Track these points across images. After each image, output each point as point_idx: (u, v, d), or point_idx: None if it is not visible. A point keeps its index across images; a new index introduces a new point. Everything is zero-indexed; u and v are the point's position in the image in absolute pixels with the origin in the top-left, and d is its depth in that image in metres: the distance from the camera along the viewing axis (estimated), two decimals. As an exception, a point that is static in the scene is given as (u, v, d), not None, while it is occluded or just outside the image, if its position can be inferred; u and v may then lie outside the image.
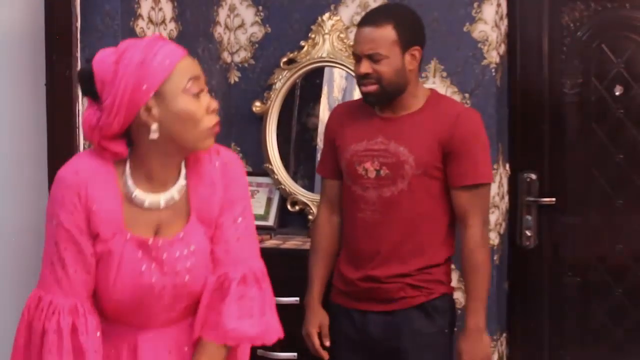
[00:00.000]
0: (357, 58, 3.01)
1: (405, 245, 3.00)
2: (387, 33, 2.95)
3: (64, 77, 3.28)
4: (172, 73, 2.14)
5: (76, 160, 2.23)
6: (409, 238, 3.00)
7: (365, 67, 2.96)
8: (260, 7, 4.11)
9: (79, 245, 2.15)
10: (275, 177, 4.04)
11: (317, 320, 3.17)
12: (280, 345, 3.43)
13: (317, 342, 3.15)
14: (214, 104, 2.20)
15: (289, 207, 4.03)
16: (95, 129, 2.14)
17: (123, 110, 2.10)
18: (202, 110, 2.17)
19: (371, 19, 3.03)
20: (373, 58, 2.95)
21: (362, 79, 2.99)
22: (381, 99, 3.01)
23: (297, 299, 3.29)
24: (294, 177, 4.08)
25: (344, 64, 3.88)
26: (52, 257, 2.16)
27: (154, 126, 2.11)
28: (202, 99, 2.18)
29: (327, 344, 3.16)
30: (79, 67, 2.96)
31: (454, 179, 2.99)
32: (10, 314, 3.10)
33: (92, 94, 2.14)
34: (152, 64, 2.11)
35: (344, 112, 3.18)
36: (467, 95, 3.80)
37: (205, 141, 2.19)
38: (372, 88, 2.98)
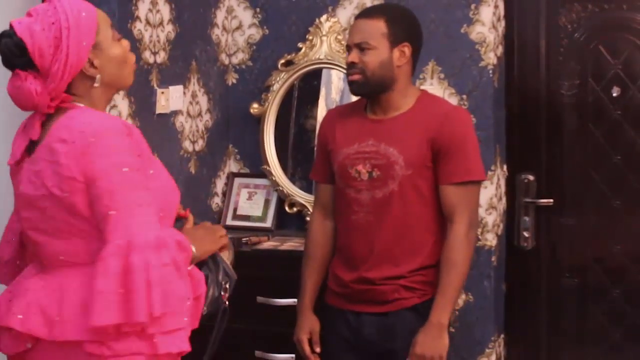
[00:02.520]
0: (349, 49, 3.06)
1: (398, 247, 3.00)
2: (378, 25, 2.99)
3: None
4: (99, 25, 2.32)
5: (97, 115, 2.30)
6: (401, 239, 3.00)
7: (353, 56, 3.02)
8: (258, 9, 4.11)
9: (148, 185, 2.26)
10: (273, 178, 4.05)
11: (308, 326, 3.17)
12: (278, 347, 3.45)
13: (307, 348, 3.16)
14: (128, 43, 2.41)
15: (286, 208, 4.04)
16: (42, 94, 2.26)
17: (72, 69, 2.26)
18: (127, 51, 2.39)
19: (365, 12, 3.12)
20: (361, 47, 2.99)
21: (349, 68, 3.05)
22: (365, 89, 3.04)
23: (295, 300, 3.29)
24: (292, 179, 4.09)
25: (342, 65, 3.88)
26: (141, 201, 2.20)
27: (98, 76, 2.31)
28: (122, 41, 2.39)
29: (318, 350, 3.17)
30: None
31: (443, 176, 2.99)
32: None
33: (26, 65, 2.26)
34: (82, 21, 2.27)
35: (336, 116, 3.20)
36: (464, 96, 3.81)
37: (132, 78, 2.45)
38: (356, 77, 3.02)
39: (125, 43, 2.39)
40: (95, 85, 2.32)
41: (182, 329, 2.23)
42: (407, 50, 3.02)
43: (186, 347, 2.25)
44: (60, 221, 2.26)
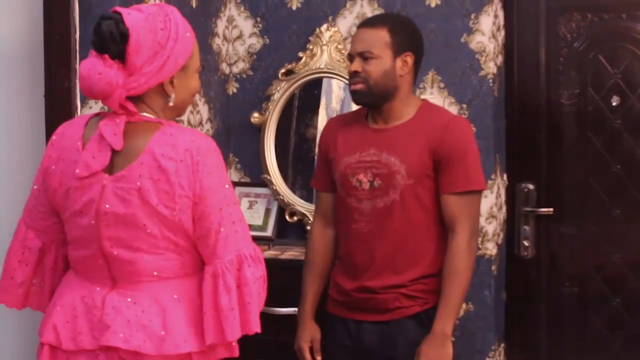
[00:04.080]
0: (351, 58, 3.06)
1: (399, 256, 3.00)
2: (381, 34, 3.00)
3: (62, 89, 3.29)
4: (193, 51, 2.38)
5: (195, 132, 2.38)
6: (402, 248, 3.00)
7: (356, 65, 3.02)
8: (259, 19, 4.12)
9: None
10: (274, 187, 4.05)
11: (309, 335, 3.17)
12: (279, 356, 3.44)
13: (308, 356, 3.17)
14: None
15: (287, 217, 4.04)
16: (118, 88, 2.25)
17: (158, 79, 2.29)
18: (200, 87, 2.47)
19: (368, 21, 3.13)
20: (364, 56, 3.00)
21: (351, 78, 3.05)
22: (367, 99, 3.05)
23: (296, 309, 3.29)
24: (292, 188, 4.09)
25: (342, 75, 3.89)
26: (240, 215, 2.35)
27: (173, 95, 2.35)
28: (198, 77, 2.44)
29: (319, 358, 3.17)
30: (78, 79, 2.92)
31: (445, 186, 3.00)
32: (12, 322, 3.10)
33: (117, 54, 2.26)
34: (185, 40, 2.32)
35: (337, 125, 3.20)
36: (464, 105, 3.82)
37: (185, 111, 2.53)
38: (359, 87, 3.02)
39: (199, 82, 2.45)
40: (170, 104, 2.36)
41: None
42: (410, 59, 3.02)
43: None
44: (162, 238, 2.30)
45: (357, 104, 3.14)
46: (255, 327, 2.32)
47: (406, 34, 3.04)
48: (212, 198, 2.29)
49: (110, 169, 2.30)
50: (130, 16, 2.27)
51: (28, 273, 2.48)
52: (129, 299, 2.32)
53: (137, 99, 2.32)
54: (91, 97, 2.32)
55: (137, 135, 2.29)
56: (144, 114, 2.33)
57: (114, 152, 2.29)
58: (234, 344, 2.37)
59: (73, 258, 2.42)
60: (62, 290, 2.42)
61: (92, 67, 2.26)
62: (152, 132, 2.29)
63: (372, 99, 3.05)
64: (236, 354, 2.40)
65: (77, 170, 2.30)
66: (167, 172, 2.25)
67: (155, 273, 2.32)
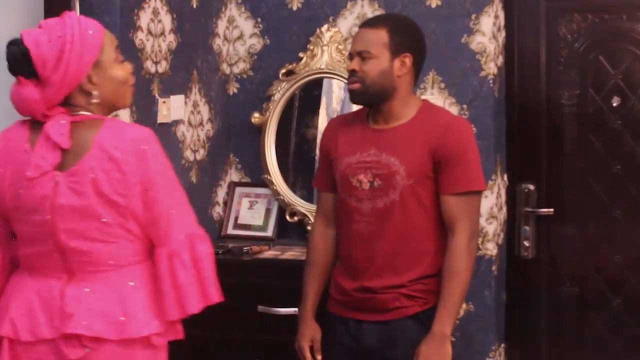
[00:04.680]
0: (351, 57, 3.08)
1: (400, 256, 3.01)
2: (380, 35, 3.00)
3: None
4: (104, 44, 2.47)
5: (135, 125, 2.60)
6: (402, 249, 3.00)
7: (354, 64, 3.04)
8: (259, 19, 4.12)
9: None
10: (274, 188, 4.05)
11: (309, 334, 3.18)
12: (279, 356, 3.45)
13: (308, 356, 3.17)
14: (132, 67, 2.59)
15: (287, 217, 4.04)
16: (38, 102, 2.42)
17: (70, 82, 2.41)
18: (129, 74, 2.55)
19: (369, 21, 3.16)
20: (362, 55, 3.01)
21: (349, 77, 3.07)
22: (364, 98, 3.06)
23: (296, 309, 3.29)
24: (293, 188, 4.09)
25: (343, 75, 3.89)
26: (186, 199, 2.54)
27: (95, 92, 2.46)
28: (124, 64, 2.55)
29: (319, 358, 3.17)
30: None
31: (444, 186, 3.00)
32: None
33: (29, 73, 2.41)
34: (88, 38, 2.43)
35: (338, 125, 3.21)
36: (465, 106, 3.82)
37: (129, 100, 2.62)
38: (356, 86, 3.04)
39: (128, 66, 2.55)
40: (94, 101, 2.47)
41: None
42: (408, 60, 3.03)
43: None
44: (116, 226, 2.44)
45: (353, 103, 3.17)
46: (217, 297, 2.49)
47: (405, 35, 3.04)
48: (160, 184, 2.45)
49: (61, 167, 2.43)
50: (29, 35, 2.42)
51: None
52: (87, 289, 2.44)
53: (67, 104, 2.45)
54: (24, 115, 2.49)
55: (83, 132, 2.43)
56: (83, 112, 2.47)
57: (64, 150, 2.42)
58: (178, 326, 2.53)
59: (25, 255, 2.53)
60: (13, 288, 2.53)
61: (14, 91, 2.46)
62: (97, 128, 2.44)
63: (369, 99, 3.06)
64: (181, 335, 2.55)
65: (28, 172, 2.43)
66: (118, 161, 2.40)
67: (111, 262, 2.46)
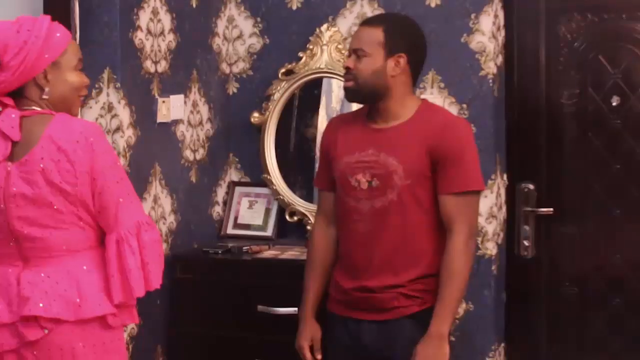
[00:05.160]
0: (349, 55, 3.09)
1: (398, 256, 3.00)
2: (376, 33, 3.01)
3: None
4: (67, 50, 2.64)
5: (82, 119, 2.89)
6: (401, 248, 3.00)
7: (349, 61, 3.05)
8: (259, 19, 4.12)
9: None
10: (274, 187, 4.05)
11: (309, 334, 3.18)
12: (279, 355, 3.45)
13: (308, 355, 3.17)
14: (88, 81, 2.76)
15: (287, 217, 4.04)
16: None
17: (26, 71, 2.58)
18: (83, 83, 2.71)
19: (368, 20, 3.18)
20: (357, 54, 3.02)
21: (344, 74, 3.10)
22: (356, 97, 3.09)
23: (296, 309, 3.29)
24: (293, 188, 4.09)
25: (342, 75, 3.88)
26: (132, 188, 2.69)
27: (47, 89, 2.62)
28: (82, 75, 2.71)
29: (319, 357, 3.17)
30: None
31: (442, 186, 2.99)
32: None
33: None
34: (53, 39, 2.61)
35: (338, 124, 3.21)
36: (464, 105, 3.82)
37: (78, 108, 2.83)
38: (349, 84, 3.06)
39: (85, 78, 2.72)
40: (44, 97, 2.63)
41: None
42: (403, 61, 3.01)
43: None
44: (67, 213, 2.60)
45: (348, 100, 3.19)
46: (156, 284, 2.66)
47: (402, 35, 3.04)
48: (108, 173, 2.62)
49: (12, 158, 2.60)
50: (2, 24, 2.62)
51: None
52: (42, 274, 2.61)
53: (19, 95, 2.63)
54: None
55: (33, 126, 2.60)
56: (34, 107, 2.63)
57: (14, 143, 2.60)
58: (133, 311, 2.72)
59: None
60: None
61: None
62: (47, 122, 2.60)
63: (361, 97, 3.07)
64: (136, 320, 2.77)
65: None
66: (67, 152, 2.57)
67: (64, 247, 2.63)
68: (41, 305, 2.56)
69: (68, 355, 2.59)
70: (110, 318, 2.64)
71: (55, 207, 2.58)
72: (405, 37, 3.05)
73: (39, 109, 2.63)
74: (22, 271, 2.62)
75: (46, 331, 2.58)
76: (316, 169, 3.44)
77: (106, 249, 2.64)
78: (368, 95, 3.04)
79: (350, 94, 3.09)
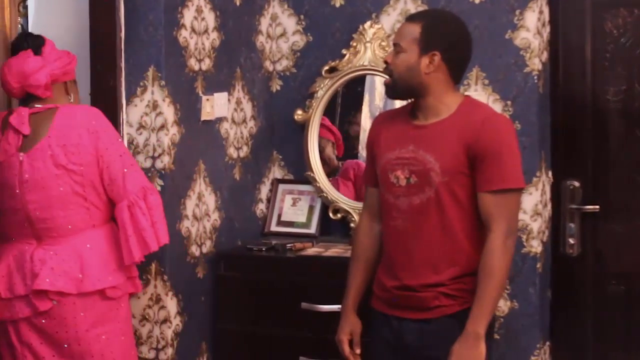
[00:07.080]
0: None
1: (437, 254, 2.97)
2: (414, 29, 2.99)
3: (108, 87, 3.33)
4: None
5: (84, 105, 3.24)
6: (439, 246, 2.97)
7: (388, 56, 3.07)
8: (302, 16, 4.13)
9: None
10: (317, 185, 4.06)
11: (349, 328, 3.17)
12: (322, 352, 3.45)
13: (347, 349, 3.16)
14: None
15: (330, 215, 4.05)
16: (38, 72, 3.07)
17: (63, 71, 3.14)
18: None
19: (411, 15, 3.19)
20: (396, 49, 3.03)
21: (384, 69, 3.15)
22: (393, 92, 3.10)
23: (339, 306, 3.29)
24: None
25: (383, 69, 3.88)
26: (134, 159, 3.17)
27: (72, 98, 3.19)
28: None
29: (358, 351, 3.16)
30: (123, 78, 3.39)
31: (480, 184, 2.95)
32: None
33: (37, 47, 3.11)
34: (74, 64, 3.22)
35: (382, 120, 3.20)
36: (509, 102, 3.79)
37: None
38: (387, 80, 3.08)
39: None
40: (71, 101, 3.20)
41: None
42: (437, 58, 2.98)
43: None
44: (72, 194, 3.04)
45: (387, 97, 3.21)
46: (165, 240, 3.14)
47: (439, 33, 3.00)
48: (111, 149, 3.07)
49: (24, 149, 3.05)
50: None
51: None
52: (51, 252, 3.06)
53: (31, 98, 3.12)
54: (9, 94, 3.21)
55: (41, 120, 3.07)
56: (38, 105, 3.09)
57: (25, 136, 3.06)
58: (137, 281, 3.21)
59: (6, 224, 3.13)
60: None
61: (14, 63, 3.14)
62: (53, 114, 3.07)
63: (399, 93, 3.08)
64: (140, 289, 3.25)
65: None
66: (72, 137, 3.03)
67: (69, 226, 3.07)
68: (47, 280, 3.01)
69: (71, 322, 3.03)
70: (108, 291, 3.08)
71: (61, 188, 3.02)
72: (443, 34, 3.01)
73: (40, 106, 3.09)
74: (35, 249, 3.07)
75: (55, 302, 3.02)
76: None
77: (119, 215, 3.07)
78: (404, 92, 3.04)
79: (387, 90, 3.10)
